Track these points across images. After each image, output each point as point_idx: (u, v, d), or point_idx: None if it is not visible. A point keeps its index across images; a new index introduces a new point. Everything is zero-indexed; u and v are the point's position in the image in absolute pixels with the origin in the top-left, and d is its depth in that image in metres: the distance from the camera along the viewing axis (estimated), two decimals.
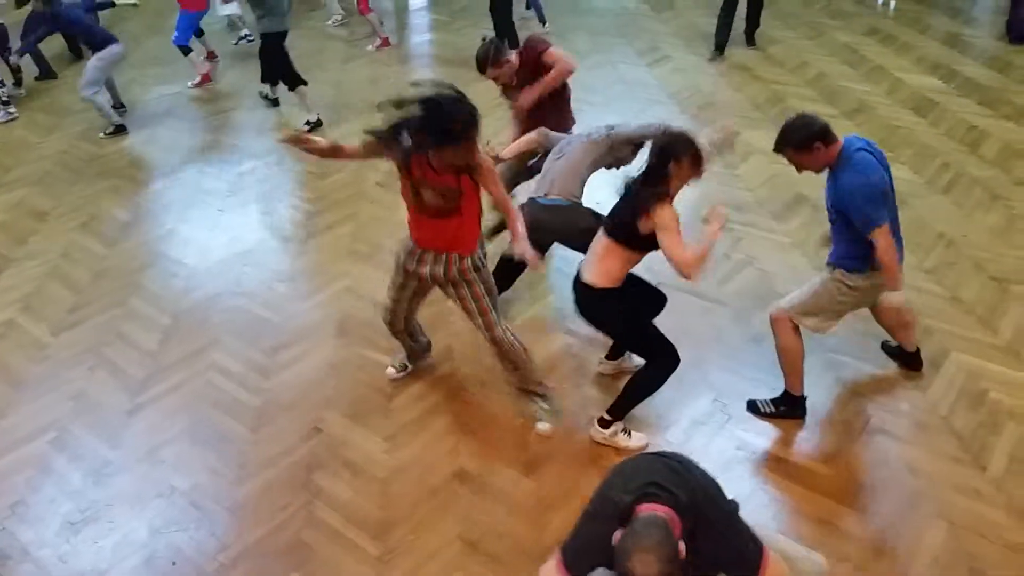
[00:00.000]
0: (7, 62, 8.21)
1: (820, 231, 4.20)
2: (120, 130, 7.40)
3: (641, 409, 3.91)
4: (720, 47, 8.82)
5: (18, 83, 8.56)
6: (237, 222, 5.81)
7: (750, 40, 9.09)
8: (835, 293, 3.59)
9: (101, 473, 3.71)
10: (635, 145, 4.41)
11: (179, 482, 3.64)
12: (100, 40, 7.19)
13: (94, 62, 7.17)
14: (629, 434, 3.72)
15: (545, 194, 4.28)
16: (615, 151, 4.37)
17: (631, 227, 3.33)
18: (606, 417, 3.70)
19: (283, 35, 7.10)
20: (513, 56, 4.76)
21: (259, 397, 4.14)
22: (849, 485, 3.47)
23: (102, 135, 7.35)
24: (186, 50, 8.34)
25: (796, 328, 3.66)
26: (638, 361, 3.85)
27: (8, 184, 6.51)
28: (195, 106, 7.96)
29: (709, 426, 3.82)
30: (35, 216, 6.01)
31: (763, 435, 3.71)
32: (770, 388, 3.88)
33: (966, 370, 4.08)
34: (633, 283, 3.65)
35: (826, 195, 3.54)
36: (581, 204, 4.32)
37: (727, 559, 2.29)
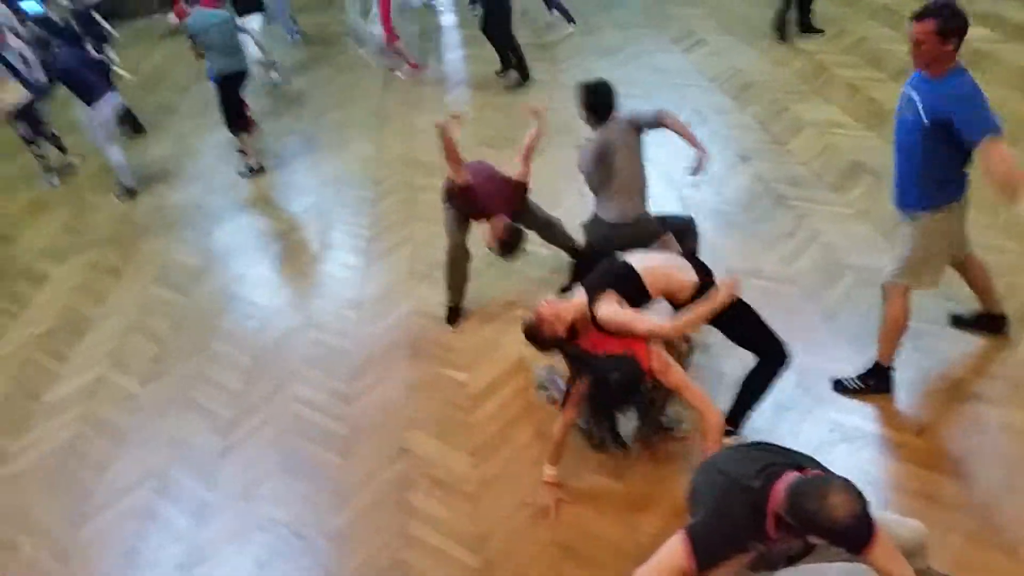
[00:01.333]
0: (42, 135, 8.02)
1: None
2: (130, 193, 7.44)
3: (727, 397, 3.89)
4: (780, 30, 8.47)
5: (62, 150, 8.30)
6: (302, 257, 5.94)
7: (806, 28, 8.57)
8: (935, 237, 3.41)
9: (203, 514, 3.84)
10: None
11: (278, 515, 3.75)
12: (88, 95, 7.11)
13: (87, 122, 7.28)
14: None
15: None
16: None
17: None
18: (730, 428, 3.53)
19: (242, 75, 7.22)
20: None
21: (344, 424, 4.23)
22: (948, 455, 3.39)
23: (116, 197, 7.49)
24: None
25: (907, 294, 3.51)
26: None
27: (80, 246, 6.76)
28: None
29: (796, 411, 3.77)
30: (110, 273, 6.23)
31: (854, 413, 3.64)
32: (852, 364, 3.81)
33: None
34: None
35: (914, 106, 3.31)
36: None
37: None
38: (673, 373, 3.23)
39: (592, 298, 3.30)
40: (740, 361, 3.83)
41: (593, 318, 3.29)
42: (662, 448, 3.70)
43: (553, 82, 8.21)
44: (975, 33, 7.58)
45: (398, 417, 4.19)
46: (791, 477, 2.17)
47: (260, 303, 5.45)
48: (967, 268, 3.77)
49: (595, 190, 4.28)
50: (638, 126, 4.25)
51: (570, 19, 9.86)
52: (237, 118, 7.38)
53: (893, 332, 3.59)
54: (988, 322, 3.96)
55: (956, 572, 2.87)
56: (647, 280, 3.36)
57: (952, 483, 3.25)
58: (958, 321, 4.04)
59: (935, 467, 3.34)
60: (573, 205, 5.85)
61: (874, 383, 3.71)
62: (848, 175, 5.63)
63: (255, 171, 7.46)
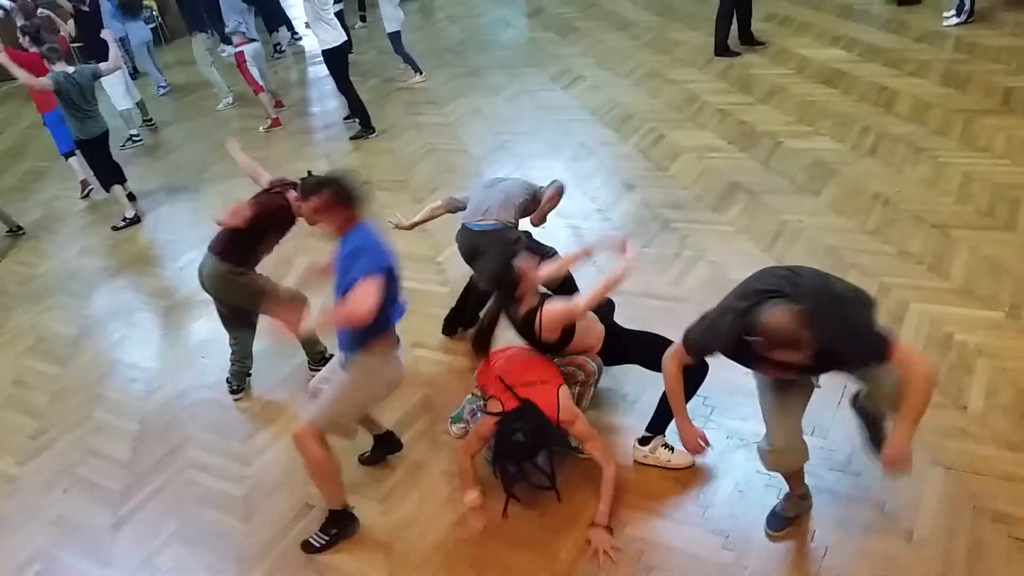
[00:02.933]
0: None
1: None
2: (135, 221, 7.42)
3: (624, 415, 3.95)
4: (721, 48, 8.80)
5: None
6: (188, 316, 5.71)
7: (747, 40, 8.95)
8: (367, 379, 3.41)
9: None
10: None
11: None
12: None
13: None
14: (672, 450, 3.63)
15: (479, 220, 4.38)
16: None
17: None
18: (646, 434, 3.64)
19: (106, 135, 7.22)
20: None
21: (243, 485, 4.05)
22: (840, 452, 3.51)
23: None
24: (68, 155, 8.03)
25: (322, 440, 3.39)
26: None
27: None
28: (117, 210, 7.83)
29: (696, 420, 3.79)
30: None
31: (748, 420, 3.73)
32: (743, 371, 3.88)
33: (928, 318, 4.18)
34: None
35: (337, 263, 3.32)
36: (515, 227, 4.38)
37: (846, 340, 2.58)
38: (580, 424, 3.41)
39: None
40: (642, 381, 3.91)
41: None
42: (573, 470, 3.69)
43: (438, 124, 8.26)
44: (830, 55, 8.18)
45: (300, 473, 4.00)
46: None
47: (145, 366, 5.20)
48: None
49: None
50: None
51: (417, 69, 9.83)
52: (111, 172, 7.34)
53: (321, 476, 3.48)
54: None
55: (857, 559, 2.98)
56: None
57: (847, 478, 3.37)
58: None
59: (830, 464, 3.46)
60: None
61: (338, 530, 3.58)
62: (726, 195, 5.85)
63: (130, 222, 7.33)
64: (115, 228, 7.31)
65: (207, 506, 3.96)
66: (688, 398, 3.35)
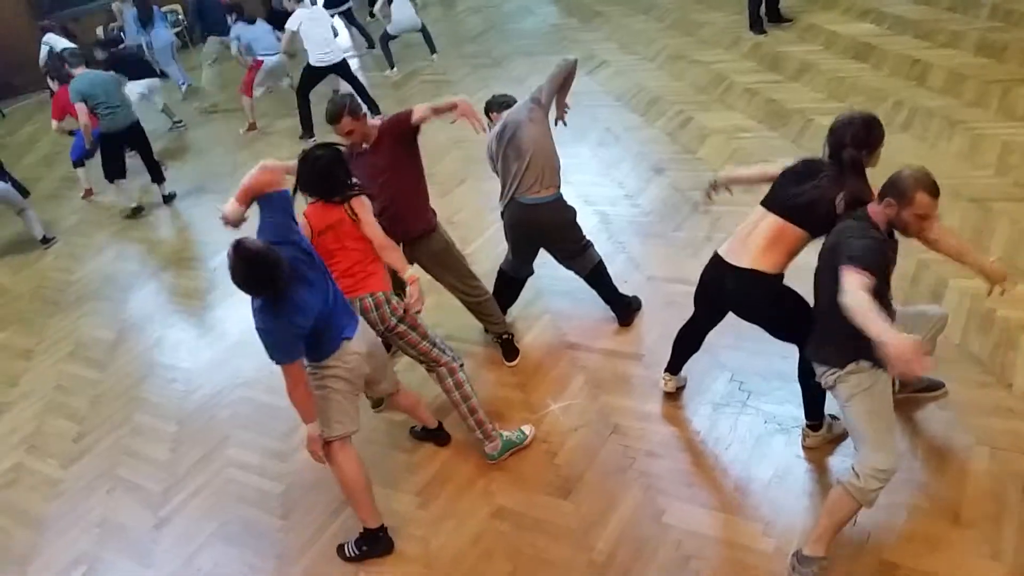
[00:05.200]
0: None
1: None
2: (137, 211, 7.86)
3: (663, 403, 3.91)
4: (754, 21, 8.68)
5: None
6: (222, 315, 5.77)
7: (774, 17, 8.78)
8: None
9: None
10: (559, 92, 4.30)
11: None
12: None
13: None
14: (836, 419, 3.47)
15: (533, 191, 4.19)
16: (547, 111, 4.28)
17: (821, 209, 3.09)
18: (810, 423, 3.47)
19: (129, 131, 7.53)
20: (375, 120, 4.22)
21: (282, 483, 4.08)
22: None
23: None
24: (78, 164, 8.39)
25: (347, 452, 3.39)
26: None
27: None
28: (156, 212, 7.94)
29: (732, 406, 3.79)
30: (21, 355, 5.93)
31: (786, 403, 3.67)
32: (780, 356, 3.79)
33: (969, 295, 4.08)
34: None
35: None
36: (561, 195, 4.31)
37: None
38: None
39: None
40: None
41: None
42: (608, 460, 3.67)
43: None
44: (859, 29, 8.00)
45: None
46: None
47: (182, 367, 5.26)
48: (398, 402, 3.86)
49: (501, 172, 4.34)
50: (538, 101, 4.22)
51: (391, 65, 10.26)
52: (114, 167, 7.69)
53: (351, 493, 3.45)
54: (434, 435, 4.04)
55: (903, 543, 2.92)
56: None
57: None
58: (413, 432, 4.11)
59: None
60: (496, 231, 5.85)
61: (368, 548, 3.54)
62: None
63: (135, 211, 7.83)
64: (127, 216, 7.86)
65: (246, 504, 4.00)
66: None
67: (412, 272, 3.57)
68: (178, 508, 4.09)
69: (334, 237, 3.58)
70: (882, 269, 2.75)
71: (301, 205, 3.51)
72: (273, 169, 3.23)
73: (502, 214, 4.42)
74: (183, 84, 11.46)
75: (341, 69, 8.58)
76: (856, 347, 2.80)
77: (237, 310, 5.70)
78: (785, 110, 6.66)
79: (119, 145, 7.61)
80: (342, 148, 3.69)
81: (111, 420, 4.91)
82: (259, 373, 4.93)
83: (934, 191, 2.74)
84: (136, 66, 9.39)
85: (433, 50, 10.38)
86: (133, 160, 7.93)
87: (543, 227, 4.31)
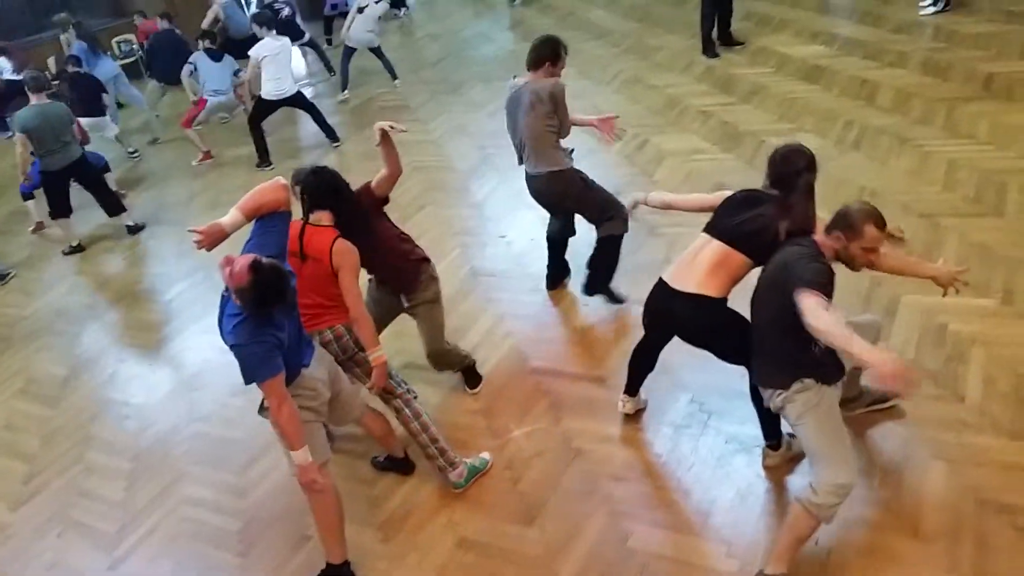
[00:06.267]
0: None
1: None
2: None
3: (625, 426, 3.90)
4: (707, 46, 8.85)
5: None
6: (178, 348, 5.66)
7: (726, 41, 8.98)
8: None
9: None
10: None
11: None
12: None
13: None
14: (794, 437, 3.42)
15: (529, 162, 4.62)
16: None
17: (767, 237, 3.15)
18: (769, 443, 3.49)
19: (74, 166, 7.32)
20: None
21: (240, 519, 3.99)
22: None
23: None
24: (27, 196, 8.17)
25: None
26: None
27: None
28: (108, 245, 7.79)
29: (693, 427, 3.80)
30: None
31: (747, 423, 3.68)
32: (740, 375, 3.81)
33: (920, 310, 4.15)
34: None
35: None
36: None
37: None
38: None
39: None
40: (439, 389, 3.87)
41: None
42: (571, 485, 3.65)
43: (423, 142, 8.23)
44: (810, 51, 8.17)
45: (297, 502, 3.94)
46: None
47: (136, 403, 5.14)
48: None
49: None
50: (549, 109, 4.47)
51: (344, 87, 10.34)
52: (60, 205, 7.49)
53: (326, 521, 3.40)
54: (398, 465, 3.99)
55: (863, 559, 2.93)
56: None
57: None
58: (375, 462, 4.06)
59: None
60: (457, 256, 5.85)
61: None
62: None
63: (75, 249, 7.65)
64: (65, 253, 7.66)
65: (203, 542, 3.90)
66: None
67: (380, 354, 3.51)
68: (133, 548, 3.97)
69: (306, 269, 3.49)
70: (830, 296, 2.79)
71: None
72: (286, 188, 3.18)
73: None
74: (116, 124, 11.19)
75: (297, 101, 8.54)
76: (797, 366, 2.85)
77: (192, 344, 5.61)
78: (738, 132, 6.77)
79: (63, 182, 7.39)
80: None
81: (63, 459, 4.77)
82: (215, 407, 4.84)
83: (881, 224, 2.81)
84: (87, 101, 9.19)
85: (394, 76, 10.40)
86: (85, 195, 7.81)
87: (541, 195, 4.75)
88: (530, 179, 4.70)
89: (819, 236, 2.96)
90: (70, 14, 11.75)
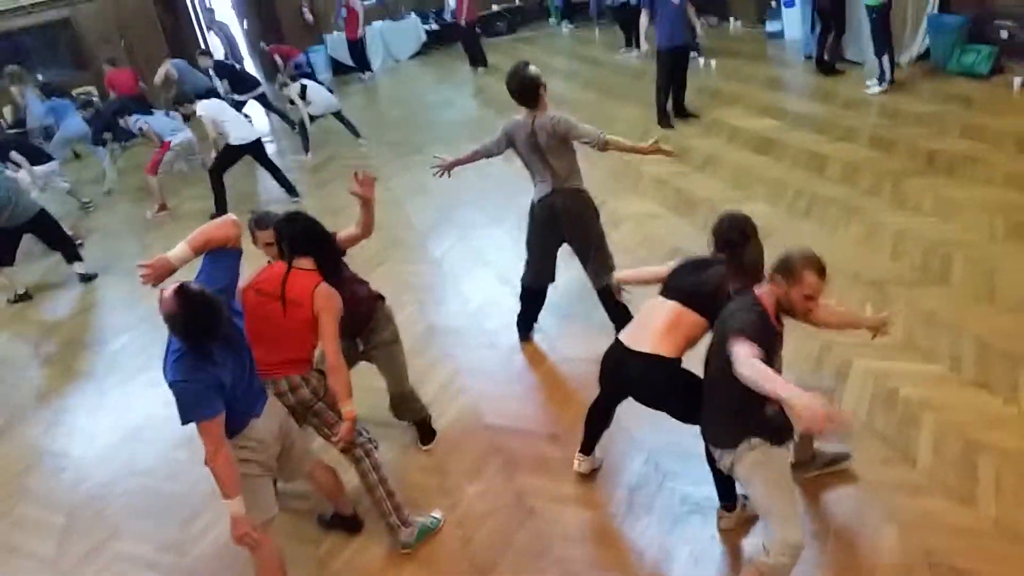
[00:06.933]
0: None
1: None
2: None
3: (579, 485, 3.85)
4: (662, 117, 9.10)
5: None
6: (121, 400, 5.47)
7: (681, 112, 9.25)
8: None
9: None
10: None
11: None
12: None
13: None
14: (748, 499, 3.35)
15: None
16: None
17: (722, 296, 3.18)
18: (724, 504, 3.43)
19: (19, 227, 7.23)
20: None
21: None
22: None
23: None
24: None
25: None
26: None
27: None
28: (56, 293, 7.60)
29: (648, 488, 3.76)
30: None
31: (703, 483, 3.64)
32: (696, 436, 3.80)
33: (872, 374, 4.20)
34: None
35: None
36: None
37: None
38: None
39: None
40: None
41: None
42: (524, 545, 3.57)
43: (384, 200, 8.22)
44: (761, 125, 8.44)
45: (242, 556, 3.79)
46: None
47: (74, 455, 4.93)
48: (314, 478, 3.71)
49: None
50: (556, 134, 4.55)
51: (306, 149, 10.37)
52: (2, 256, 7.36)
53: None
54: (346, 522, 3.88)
55: None
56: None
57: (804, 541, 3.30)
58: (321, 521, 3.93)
59: None
60: (414, 312, 5.80)
61: None
62: (669, 259, 5.84)
63: (21, 298, 7.46)
64: (10, 302, 7.47)
65: None
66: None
67: (351, 409, 3.41)
68: None
69: (285, 315, 3.39)
70: (766, 347, 2.81)
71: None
72: (237, 225, 3.12)
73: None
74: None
75: (257, 151, 8.55)
76: (745, 425, 2.86)
77: (137, 395, 5.44)
78: (693, 198, 6.92)
79: (15, 236, 7.29)
80: None
81: None
82: (158, 460, 4.68)
83: (821, 271, 2.85)
84: (33, 151, 9.16)
85: (357, 135, 10.47)
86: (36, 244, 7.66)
87: (556, 213, 4.78)
88: (550, 196, 4.69)
89: (759, 287, 3.00)
90: (27, 67, 11.71)
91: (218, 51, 14.41)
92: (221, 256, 3.05)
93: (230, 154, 8.41)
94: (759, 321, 2.85)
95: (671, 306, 3.31)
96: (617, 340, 3.46)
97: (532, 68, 4.57)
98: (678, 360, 3.30)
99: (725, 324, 2.90)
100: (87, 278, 7.63)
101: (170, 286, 2.77)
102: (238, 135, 8.27)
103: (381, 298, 4.07)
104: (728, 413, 2.96)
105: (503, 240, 6.74)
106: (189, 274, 3.00)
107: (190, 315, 2.74)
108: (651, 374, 3.29)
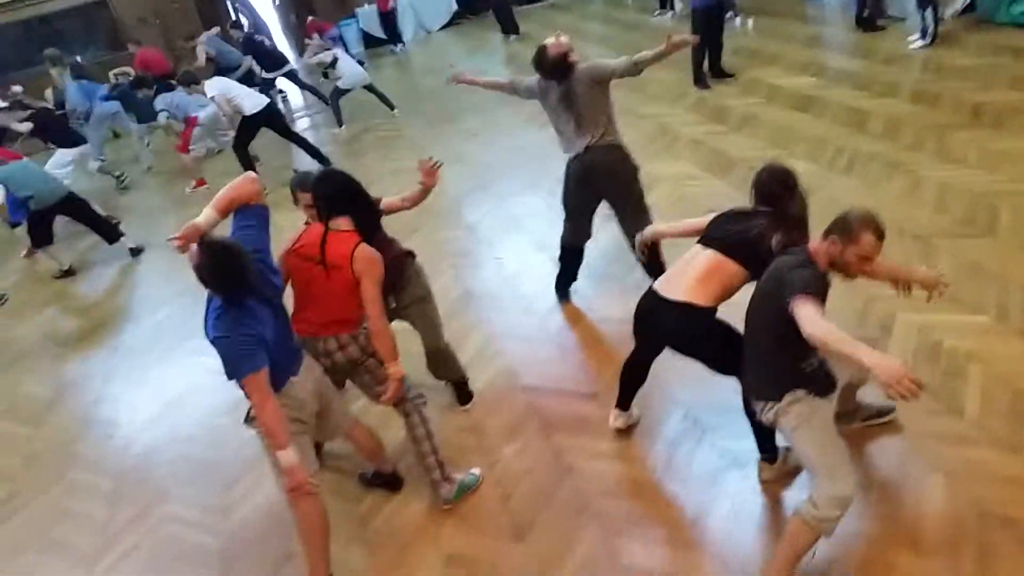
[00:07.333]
0: None
1: None
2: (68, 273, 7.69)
3: (618, 442, 3.83)
4: (698, 78, 8.97)
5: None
6: (165, 371, 5.57)
7: (717, 73, 9.10)
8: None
9: None
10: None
11: None
12: None
13: None
14: (790, 450, 3.36)
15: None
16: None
17: (764, 245, 3.13)
18: (765, 456, 3.40)
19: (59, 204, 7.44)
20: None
21: (222, 538, 3.88)
22: None
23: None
24: (15, 225, 8.22)
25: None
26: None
27: None
28: (98, 269, 7.75)
29: (687, 443, 3.73)
30: None
31: (743, 438, 3.59)
32: (734, 390, 3.75)
33: (916, 327, 4.11)
34: None
35: None
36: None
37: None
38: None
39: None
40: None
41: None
42: (563, 502, 3.57)
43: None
44: (800, 83, 8.25)
45: (283, 519, 3.85)
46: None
47: (121, 423, 5.04)
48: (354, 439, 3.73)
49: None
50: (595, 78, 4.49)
51: (340, 123, 10.47)
52: (41, 237, 7.58)
53: (311, 536, 3.30)
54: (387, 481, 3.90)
55: (862, 573, 2.86)
56: None
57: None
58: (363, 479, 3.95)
59: None
60: (450, 278, 5.81)
61: None
62: None
63: (65, 274, 7.69)
64: (56, 278, 7.70)
65: (184, 562, 3.80)
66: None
67: (397, 369, 3.39)
68: (112, 567, 3.86)
69: (329, 279, 3.37)
70: (822, 298, 2.76)
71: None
72: (257, 181, 3.14)
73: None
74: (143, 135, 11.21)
75: (274, 119, 8.57)
76: (790, 377, 2.81)
77: (179, 365, 5.54)
78: (730, 158, 6.80)
79: (50, 218, 7.48)
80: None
81: (44, 479, 4.67)
82: (200, 428, 4.76)
83: (879, 233, 2.76)
84: (63, 133, 9.31)
85: (391, 106, 10.47)
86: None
87: (596, 168, 4.74)
88: (587, 152, 4.62)
89: (813, 243, 2.93)
90: (66, 48, 11.88)
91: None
92: (249, 215, 3.08)
93: (248, 125, 8.44)
94: (819, 278, 2.78)
95: (709, 254, 3.26)
96: (651, 288, 3.41)
97: (551, 46, 4.50)
98: (712, 309, 3.25)
99: (781, 280, 2.82)
100: (136, 252, 7.77)
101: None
102: (251, 104, 8.29)
103: (411, 255, 4.06)
104: (772, 366, 2.90)
105: (538, 207, 6.70)
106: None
107: (215, 263, 2.78)
108: (683, 322, 3.25)
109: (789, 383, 2.85)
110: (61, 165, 8.86)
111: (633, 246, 4.73)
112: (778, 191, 3.23)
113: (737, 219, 3.34)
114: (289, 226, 3.62)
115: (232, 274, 2.81)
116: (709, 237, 3.34)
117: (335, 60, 10.02)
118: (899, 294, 3.22)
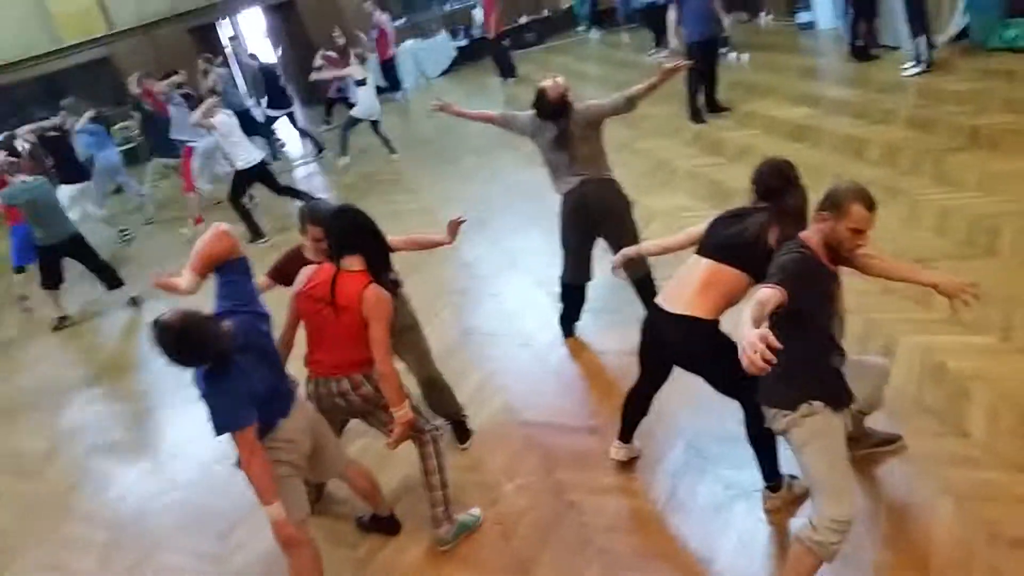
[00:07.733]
0: None
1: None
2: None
3: (620, 475, 3.75)
4: (693, 112, 9.02)
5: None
6: (161, 419, 5.52)
7: (712, 107, 9.16)
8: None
9: None
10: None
11: None
12: None
13: None
14: (795, 478, 3.33)
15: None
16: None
17: (761, 245, 3.06)
18: (769, 485, 3.33)
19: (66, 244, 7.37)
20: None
21: None
22: None
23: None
24: (19, 270, 8.17)
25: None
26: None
27: None
28: (97, 319, 7.73)
29: (690, 474, 3.65)
30: None
31: (746, 468, 3.51)
32: (735, 419, 3.67)
33: (919, 349, 4.04)
34: None
35: None
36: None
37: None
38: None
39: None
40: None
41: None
42: (565, 538, 3.48)
43: (415, 209, 8.25)
44: (796, 113, 8.28)
45: (280, 568, 3.75)
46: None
47: (117, 474, 4.97)
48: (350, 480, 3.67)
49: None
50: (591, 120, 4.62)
51: (344, 153, 10.73)
52: (50, 277, 7.49)
53: None
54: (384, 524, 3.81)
55: None
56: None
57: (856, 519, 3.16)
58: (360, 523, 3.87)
59: None
60: (449, 315, 5.77)
61: None
62: None
63: (63, 321, 7.68)
64: (54, 328, 7.66)
65: None
66: None
67: (405, 412, 3.32)
68: None
69: (339, 320, 3.31)
70: (812, 287, 2.68)
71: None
72: (230, 233, 3.11)
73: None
74: (140, 194, 11.24)
75: (265, 176, 8.58)
76: (807, 386, 2.72)
77: (177, 413, 5.48)
78: (728, 189, 6.78)
79: (57, 256, 7.42)
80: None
81: (37, 533, 4.58)
82: (197, 475, 4.70)
83: (869, 204, 2.70)
84: (72, 163, 9.42)
85: (392, 150, 10.56)
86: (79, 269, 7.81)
87: (588, 202, 4.75)
88: (579, 187, 4.65)
89: (805, 232, 2.85)
90: (76, 99, 12.01)
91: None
92: (229, 272, 3.06)
93: (240, 179, 8.45)
94: (799, 259, 2.68)
95: (705, 264, 3.20)
96: (653, 303, 3.36)
97: (549, 88, 4.61)
98: (715, 322, 3.18)
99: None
100: (135, 301, 7.74)
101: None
102: (245, 158, 8.28)
103: (397, 283, 4.01)
104: (787, 372, 2.80)
105: (536, 244, 6.67)
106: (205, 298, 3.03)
107: (169, 343, 2.74)
108: (685, 336, 3.18)
109: (805, 392, 2.75)
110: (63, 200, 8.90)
111: (631, 279, 4.68)
112: (778, 184, 3.17)
113: (732, 221, 3.26)
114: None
115: (190, 349, 2.78)
116: (704, 245, 3.29)
117: (365, 80, 10.17)
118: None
